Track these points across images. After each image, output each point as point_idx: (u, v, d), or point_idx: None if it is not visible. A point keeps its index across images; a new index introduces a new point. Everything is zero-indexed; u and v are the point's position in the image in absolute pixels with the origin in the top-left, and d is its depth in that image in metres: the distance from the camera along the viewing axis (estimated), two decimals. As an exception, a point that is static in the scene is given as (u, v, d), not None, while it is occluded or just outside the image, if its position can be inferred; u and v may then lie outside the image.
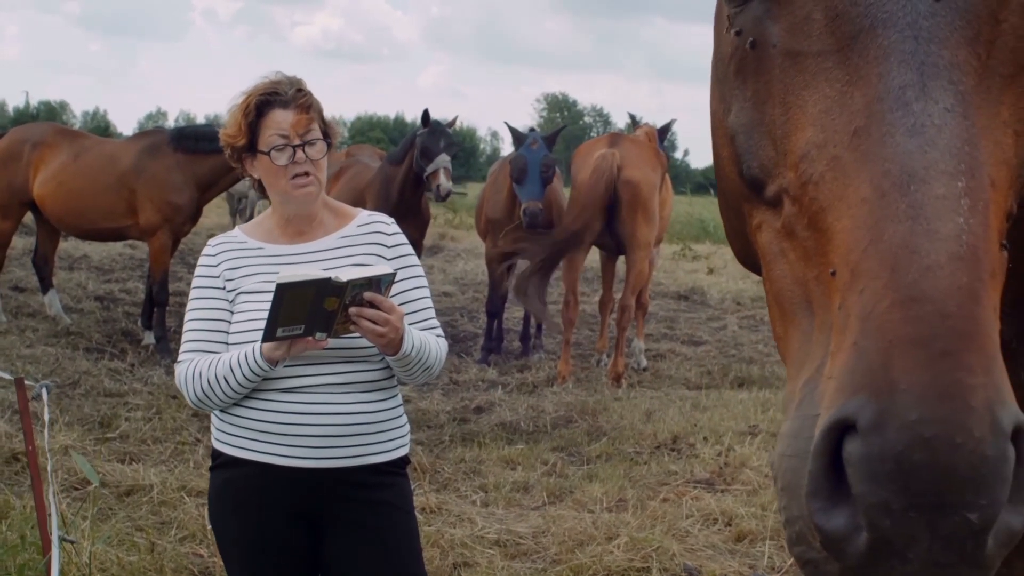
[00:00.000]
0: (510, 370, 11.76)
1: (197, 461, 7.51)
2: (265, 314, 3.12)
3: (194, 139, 11.28)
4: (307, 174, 3.41)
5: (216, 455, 3.50)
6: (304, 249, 3.49)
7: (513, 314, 14.39)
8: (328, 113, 3.56)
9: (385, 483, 3.47)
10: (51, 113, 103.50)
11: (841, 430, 1.40)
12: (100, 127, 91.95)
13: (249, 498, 3.40)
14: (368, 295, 3.16)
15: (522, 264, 10.81)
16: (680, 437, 8.78)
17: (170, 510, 6.51)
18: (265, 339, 3.16)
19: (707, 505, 6.92)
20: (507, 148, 14.90)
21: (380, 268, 3.28)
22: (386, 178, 11.93)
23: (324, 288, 3.07)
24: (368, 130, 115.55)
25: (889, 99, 1.57)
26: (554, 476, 7.78)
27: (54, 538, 4.18)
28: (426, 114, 11.71)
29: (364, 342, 3.31)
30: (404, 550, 3.49)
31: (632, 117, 14.44)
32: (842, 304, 1.50)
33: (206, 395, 3.35)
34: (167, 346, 11.18)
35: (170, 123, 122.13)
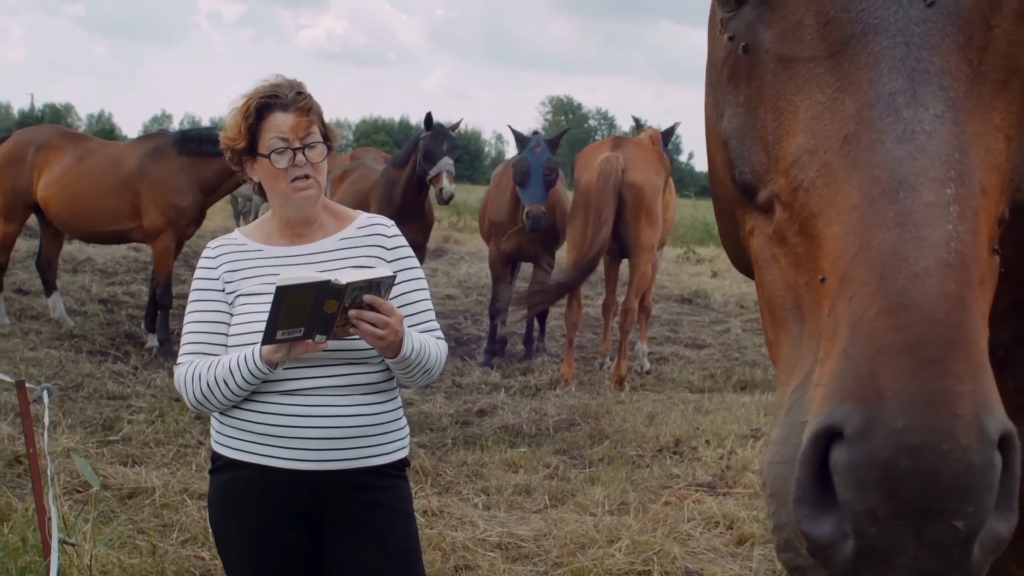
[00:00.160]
0: (513, 373, 11.75)
1: (199, 464, 7.52)
2: (265, 316, 3.12)
3: (198, 142, 11.28)
4: (307, 177, 3.41)
5: (216, 457, 3.50)
6: (304, 251, 3.49)
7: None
8: (332, 116, 3.56)
9: (385, 485, 3.47)
10: (56, 115, 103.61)
11: (828, 437, 1.40)
12: (105, 130, 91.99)
13: (249, 500, 3.40)
14: (367, 297, 3.16)
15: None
16: (682, 440, 8.77)
17: (172, 513, 6.52)
18: (265, 341, 3.16)
19: (709, 508, 6.91)
20: (511, 151, 14.92)
21: (380, 271, 3.28)
22: (390, 181, 11.94)
23: (324, 290, 3.07)
24: (373, 133, 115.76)
25: (879, 105, 1.57)
26: (556, 479, 7.78)
27: (54, 541, 4.18)
28: (429, 117, 11.71)
29: (364, 344, 3.31)
30: (404, 552, 3.49)
31: (636, 120, 14.43)
32: (831, 311, 1.50)
33: (205, 397, 3.35)
34: (170, 349, 11.18)
35: (175, 126, 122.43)
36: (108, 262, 18.42)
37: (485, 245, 13.40)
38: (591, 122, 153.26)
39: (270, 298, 3.08)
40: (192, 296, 3.52)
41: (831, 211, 1.57)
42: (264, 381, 3.32)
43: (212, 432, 3.53)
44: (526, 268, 14.43)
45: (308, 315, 3.11)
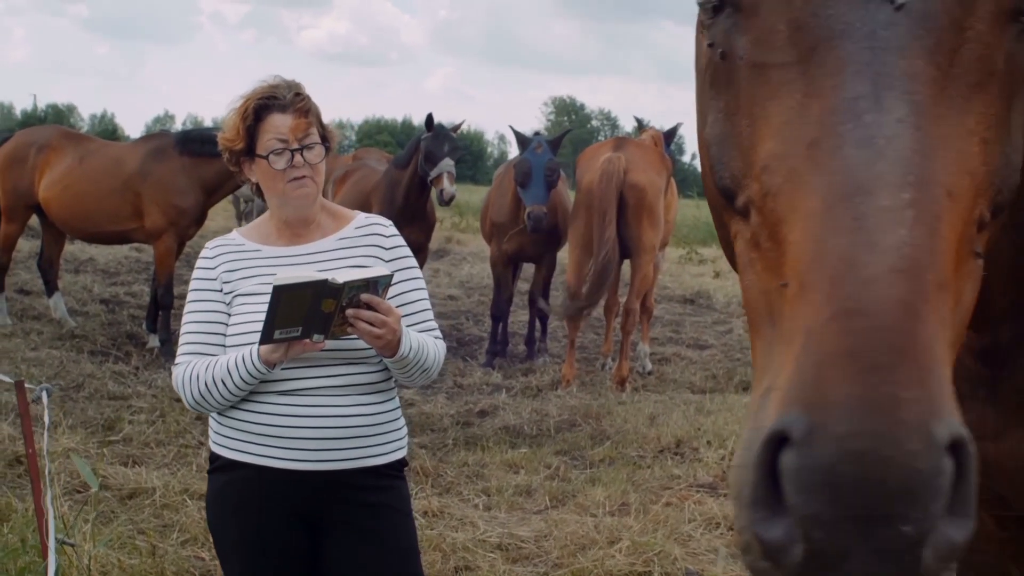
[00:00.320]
0: (515, 373, 11.75)
1: (200, 464, 7.51)
2: (262, 316, 3.12)
3: (199, 142, 11.28)
4: (305, 177, 3.41)
5: (214, 458, 3.50)
6: (302, 251, 3.49)
7: (518, 317, 14.40)
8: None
9: (383, 485, 3.46)
10: (59, 116, 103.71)
11: (778, 442, 1.40)
12: (107, 130, 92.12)
13: (247, 501, 3.40)
14: (365, 297, 3.16)
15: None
16: (684, 441, 8.76)
17: (172, 513, 6.52)
18: (262, 341, 3.16)
19: (710, 509, 6.90)
20: (514, 151, 14.93)
21: (377, 270, 3.28)
22: (391, 182, 11.94)
23: (321, 290, 3.07)
24: (375, 133, 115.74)
25: (841, 110, 1.56)
26: (557, 480, 7.77)
27: (51, 542, 4.18)
28: (430, 118, 11.71)
29: (362, 344, 3.31)
30: (403, 552, 3.49)
31: (638, 121, 14.43)
32: (791, 316, 1.50)
33: (203, 397, 3.35)
34: (171, 349, 11.13)
35: (177, 126, 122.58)
36: (110, 262, 18.43)
37: (487, 246, 13.40)
38: (594, 123, 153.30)
39: (268, 298, 3.08)
40: (190, 296, 3.52)
41: (794, 216, 1.57)
42: (262, 381, 3.31)
43: (210, 432, 3.53)
44: (528, 269, 14.43)
45: (306, 314, 3.10)
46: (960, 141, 1.59)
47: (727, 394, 10.91)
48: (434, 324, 3.59)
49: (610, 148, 11.46)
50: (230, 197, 18.24)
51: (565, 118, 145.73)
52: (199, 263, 3.55)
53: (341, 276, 3.12)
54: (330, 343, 3.25)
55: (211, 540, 5.60)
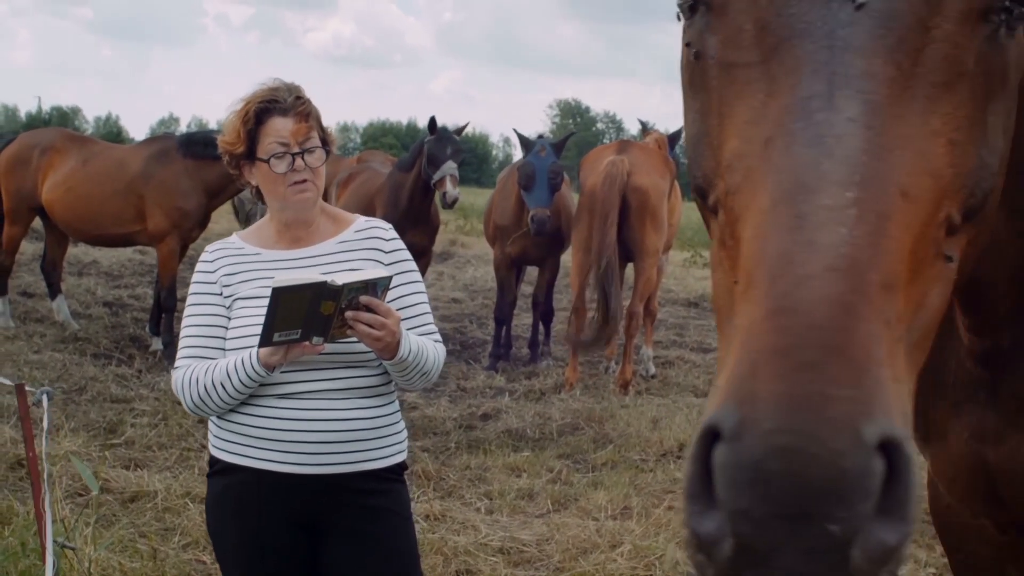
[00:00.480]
0: (518, 377, 11.73)
1: (202, 468, 7.50)
2: (262, 319, 3.12)
3: (203, 145, 11.27)
4: (305, 180, 3.40)
5: (213, 462, 3.50)
6: (302, 254, 3.49)
7: (522, 321, 14.38)
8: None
9: (383, 489, 3.46)
10: (63, 118, 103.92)
11: (712, 437, 1.40)
12: (112, 132, 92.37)
13: (247, 505, 3.40)
14: (364, 299, 3.16)
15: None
16: (687, 445, 8.70)
17: (174, 516, 6.51)
18: (262, 344, 3.16)
19: (712, 513, 6.87)
20: (519, 154, 14.95)
21: (376, 272, 3.28)
22: (395, 185, 11.93)
23: (320, 292, 3.07)
24: (380, 136, 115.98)
25: (795, 109, 1.57)
26: (559, 483, 7.77)
27: (49, 545, 4.17)
28: (432, 121, 11.71)
29: (361, 347, 3.30)
30: (402, 556, 3.48)
31: (642, 124, 14.42)
32: (738, 313, 1.51)
33: (203, 401, 3.34)
34: (174, 352, 11.13)
35: (182, 128, 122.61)
36: (113, 265, 18.44)
37: (491, 249, 13.39)
38: (599, 125, 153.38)
39: (267, 301, 3.07)
40: (190, 300, 3.52)
41: (747, 215, 1.58)
42: (261, 385, 3.31)
43: (210, 436, 3.52)
44: (531, 272, 14.43)
45: (305, 317, 3.10)
46: (922, 141, 1.58)
47: (730, 398, 10.85)
48: (434, 328, 3.59)
49: (614, 151, 11.46)
50: (235, 199, 18.22)
51: (570, 120, 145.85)
52: (199, 267, 3.55)
53: (340, 278, 3.11)
54: (329, 346, 3.24)
55: (212, 544, 5.63)
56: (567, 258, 12.43)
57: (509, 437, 9.02)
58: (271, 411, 3.33)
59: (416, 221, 11.79)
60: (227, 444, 3.42)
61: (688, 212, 23.30)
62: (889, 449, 1.34)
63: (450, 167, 11.31)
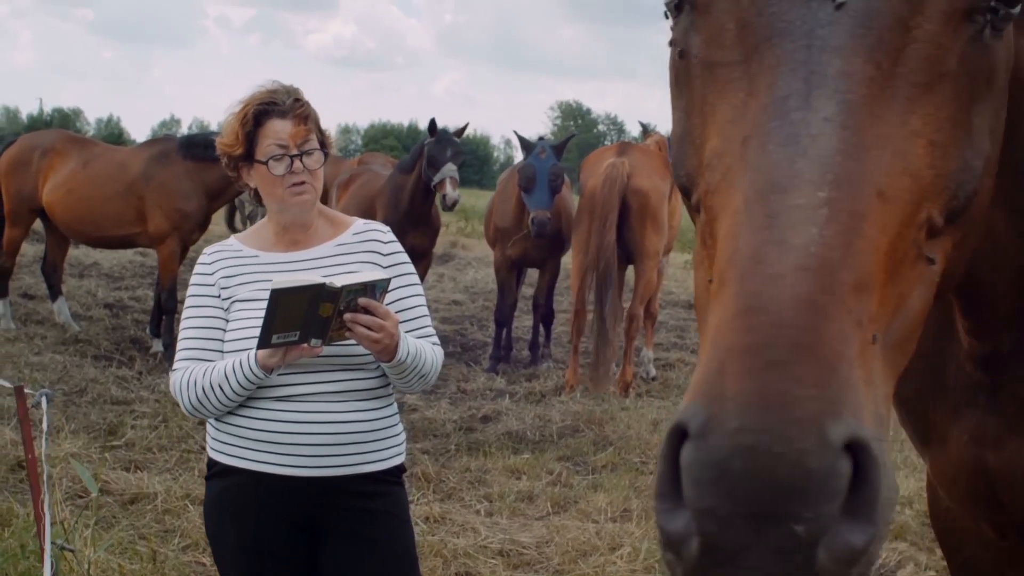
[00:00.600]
0: (518, 379, 11.73)
1: (202, 470, 7.48)
2: (260, 322, 3.11)
3: (203, 147, 11.27)
4: (304, 182, 3.40)
5: (212, 464, 3.49)
6: (300, 257, 3.48)
7: (522, 323, 14.38)
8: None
9: (381, 492, 3.45)
10: (64, 120, 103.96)
11: (681, 435, 1.40)
12: (114, 134, 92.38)
13: (244, 507, 3.39)
14: (363, 301, 3.16)
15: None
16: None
17: (174, 518, 6.51)
18: (260, 346, 3.16)
19: (712, 516, 6.87)
20: (520, 156, 14.88)
21: (375, 274, 3.28)
22: (396, 187, 11.93)
23: (319, 294, 3.07)
24: (381, 137, 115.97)
25: (772, 109, 1.57)
26: (559, 486, 7.76)
27: (47, 547, 4.17)
28: (432, 123, 11.70)
29: (359, 350, 3.30)
30: (401, 558, 3.48)
31: (643, 126, 14.42)
32: (712, 312, 1.51)
33: (201, 403, 3.34)
34: (175, 354, 11.15)
35: (184, 130, 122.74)
36: (114, 267, 18.43)
37: (491, 250, 13.39)
38: (600, 127, 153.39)
39: (265, 304, 3.07)
40: (188, 302, 3.52)
41: (724, 214, 1.58)
42: (259, 387, 3.31)
43: (208, 439, 3.52)
44: (532, 274, 14.42)
45: (303, 319, 3.10)
46: (901, 142, 1.58)
47: (731, 400, 10.85)
48: (432, 330, 3.59)
49: (614, 153, 11.47)
50: (236, 201, 18.22)
51: (571, 122, 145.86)
52: (197, 269, 3.55)
53: (339, 280, 3.11)
54: (328, 348, 3.24)
55: (210, 546, 5.63)
56: (568, 260, 12.42)
57: (509, 439, 9.01)
58: (269, 413, 3.33)
59: (417, 223, 11.79)
60: (225, 446, 3.41)
61: (688, 214, 23.35)
62: (856, 450, 1.34)
63: (450, 169, 11.30)
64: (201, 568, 5.79)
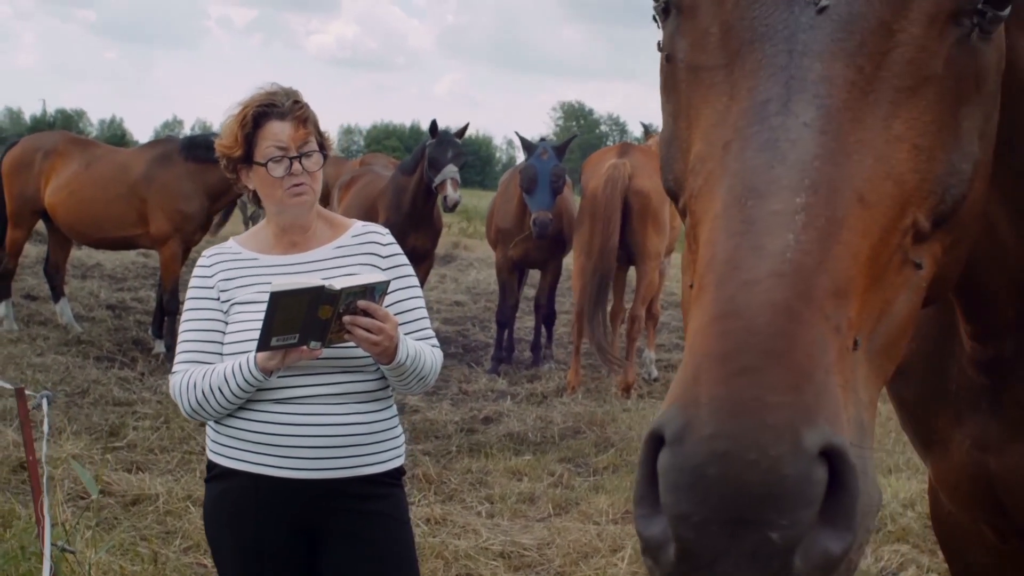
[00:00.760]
0: (520, 380, 11.72)
1: (203, 471, 7.46)
2: (259, 325, 3.11)
3: (205, 148, 11.27)
4: (302, 184, 3.40)
5: (211, 466, 3.49)
6: (299, 259, 3.48)
7: (524, 324, 14.37)
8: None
9: (380, 494, 3.45)
10: (67, 121, 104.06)
11: (658, 441, 1.40)
12: (116, 135, 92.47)
13: (244, 509, 3.39)
14: (362, 303, 3.15)
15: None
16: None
17: (175, 520, 6.51)
18: (259, 348, 3.15)
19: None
20: (522, 156, 14.86)
21: (374, 276, 3.27)
22: (398, 188, 11.94)
23: (318, 296, 3.06)
24: (383, 138, 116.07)
25: (751, 113, 1.57)
26: (560, 487, 7.76)
27: (46, 548, 4.17)
28: (434, 124, 11.71)
29: (359, 352, 3.29)
30: (400, 561, 3.47)
31: (645, 126, 14.42)
32: (691, 317, 1.52)
33: (200, 406, 3.34)
34: (177, 355, 11.16)
35: (186, 131, 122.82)
36: (117, 268, 18.45)
37: (493, 251, 13.40)
38: (602, 127, 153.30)
39: (265, 306, 3.07)
40: (187, 305, 3.52)
41: (705, 218, 1.58)
42: (259, 389, 3.30)
43: (207, 441, 3.52)
44: (534, 275, 14.42)
45: (302, 321, 3.09)
46: (883, 146, 1.56)
47: (733, 401, 10.83)
48: (431, 332, 3.58)
49: (615, 154, 11.46)
50: (239, 202, 18.22)
51: (573, 123, 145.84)
52: (196, 271, 3.55)
53: (338, 282, 3.11)
54: (327, 351, 3.23)
55: (210, 548, 5.63)
56: (569, 261, 12.42)
57: (510, 441, 9.01)
58: (269, 416, 3.33)
59: (418, 224, 11.80)
60: (225, 449, 3.41)
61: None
62: (833, 457, 1.33)
63: (451, 170, 11.30)
64: (203, 570, 5.79)
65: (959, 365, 2.53)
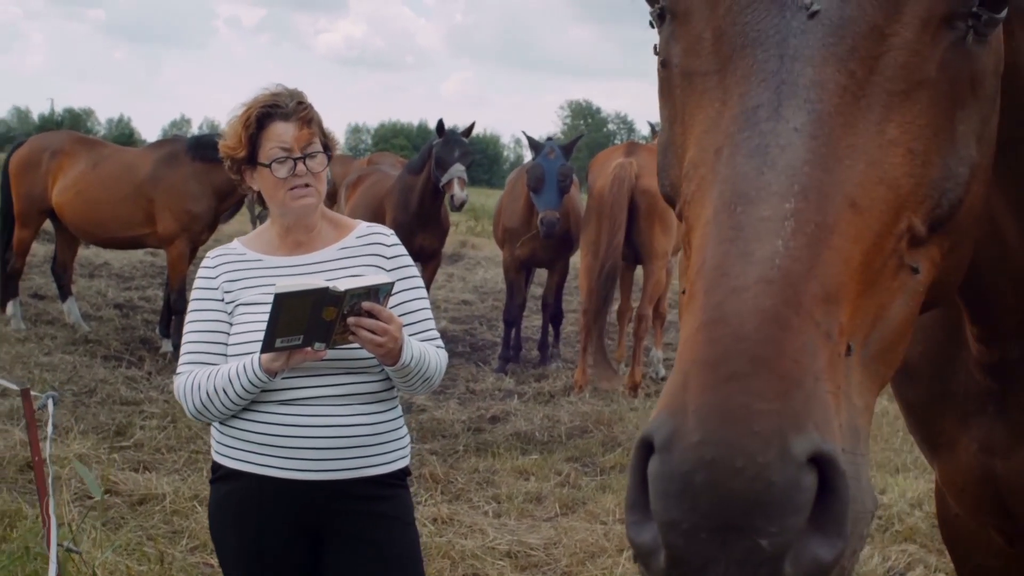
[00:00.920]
0: (527, 379, 11.72)
1: (210, 471, 7.50)
2: (264, 326, 3.10)
3: (212, 148, 11.16)
4: (307, 185, 3.39)
5: (216, 468, 3.49)
6: (303, 261, 3.47)
7: (531, 323, 14.37)
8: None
9: (385, 495, 3.44)
10: (75, 120, 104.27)
11: (648, 447, 1.40)
12: (124, 134, 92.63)
13: (248, 511, 3.39)
14: (366, 305, 3.14)
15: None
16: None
17: (182, 519, 6.51)
18: (264, 350, 3.15)
19: (721, 518, 6.84)
20: (530, 155, 14.85)
21: (378, 278, 3.27)
22: (405, 187, 11.95)
23: (322, 298, 3.06)
24: (391, 137, 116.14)
25: (742, 119, 1.56)
26: (567, 487, 7.75)
27: (52, 549, 4.18)
28: (440, 124, 11.71)
29: (363, 353, 3.29)
30: (404, 562, 3.47)
31: (652, 126, 14.39)
32: (682, 324, 1.52)
33: (205, 407, 3.34)
34: (184, 354, 11.17)
35: (194, 130, 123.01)
36: (125, 267, 18.47)
37: (501, 250, 13.39)
38: (610, 126, 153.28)
39: (269, 307, 3.06)
40: (191, 306, 3.51)
41: (697, 225, 1.58)
42: (263, 391, 3.30)
43: (212, 442, 3.52)
44: (541, 273, 14.40)
45: (307, 323, 3.09)
46: (876, 151, 1.55)
47: (740, 400, 10.81)
48: (436, 333, 3.57)
49: (622, 153, 11.45)
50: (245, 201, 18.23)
51: (581, 122, 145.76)
52: (200, 272, 3.54)
53: (342, 284, 3.10)
54: (331, 352, 3.23)
55: (215, 549, 5.63)
56: (577, 260, 12.41)
57: (517, 440, 9.00)
58: (273, 417, 3.32)
59: (426, 224, 11.81)
60: (229, 450, 3.41)
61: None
62: (822, 464, 1.32)
63: (458, 170, 11.31)
64: (209, 569, 5.78)
65: (965, 368, 2.52)
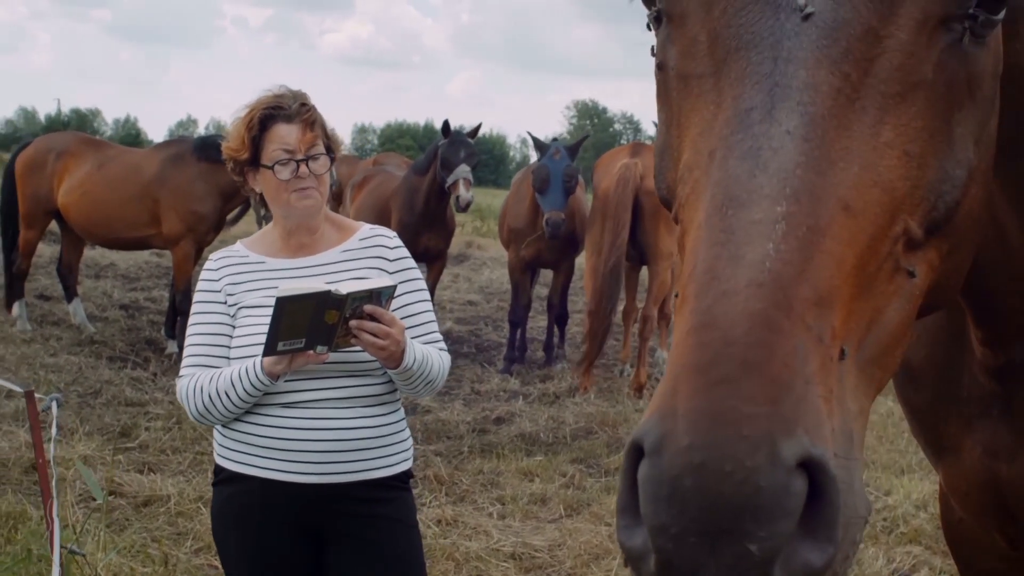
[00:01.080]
0: (532, 380, 11.70)
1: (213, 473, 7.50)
2: (266, 328, 3.10)
3: (217, 148, 11.15)
4: (309, 187, 3.39)
5: (218, 470, 3.49)
6: (306, 263, 3.47)
7: (537, 323, 14.36)
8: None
9: (387, 498, 3.44)
10: (82, 121, 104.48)
11: (638, 451, 1.40)
12: (131, 135, 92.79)
13: (251, 514, 3.38)
14: (369, 308, 3.14)
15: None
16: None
17: (186, 521, 6.51)
18: (266, 353, 3.14)
19: (726, 519, 6.84)
20: (536, 156, 14.84)
21: (381, 280, 3.26)
22: (411, 188, 11.95)
23: (324, 301, 3.05)
24: (397, 137, 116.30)
25: (735, 122, 1.55)
26: (572, 488, 7.74)
27: (55, 551, 4.18)
28: (446, 125, 11.71)
29: (366, 356, 3.28)
30: (406, 564, 3.46)
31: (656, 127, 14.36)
32: (675, 328, 1.51)
33: (207, 409, 3.34)
34: (189, 355, 11.18)
35: (200, 130, 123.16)
36: (131, 267, 18.48)
37: (506, 251, 13.39)
38: (616, 126, 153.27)
39: (271, 310, 3.06)
40: (194, 308, 3.51)
41: (690, 228, 1.58)
42: (266, 393, 3.30)
43: (214, 445, 3.52)
44: (546, 275, 14.39)
45: (309, 326, 3.08)
46: (871, 154, 1.54)
47: (745, 401, 10.80)
48: (438, 336, 3.57)
49: (627, 154, 11.44)
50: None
51: (587, 122, 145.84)
52: (203, 275, 3.54)
53: (344, 287, 3.09)
54: (334, 355, 3.22)
55: (218, 551, 5.63)
56: (582, 261, 12.40)
57: (522, 441, 8.99)
58: (275, 420, 3.32)
59: (431, 224, 11.82)
60: (232, 453, 3.41)
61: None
62: (812, 469, 1.32)
63: (463, 170, 11.31)
64: (213, 571, 5.78)
65: (970, 371, 2.51)
